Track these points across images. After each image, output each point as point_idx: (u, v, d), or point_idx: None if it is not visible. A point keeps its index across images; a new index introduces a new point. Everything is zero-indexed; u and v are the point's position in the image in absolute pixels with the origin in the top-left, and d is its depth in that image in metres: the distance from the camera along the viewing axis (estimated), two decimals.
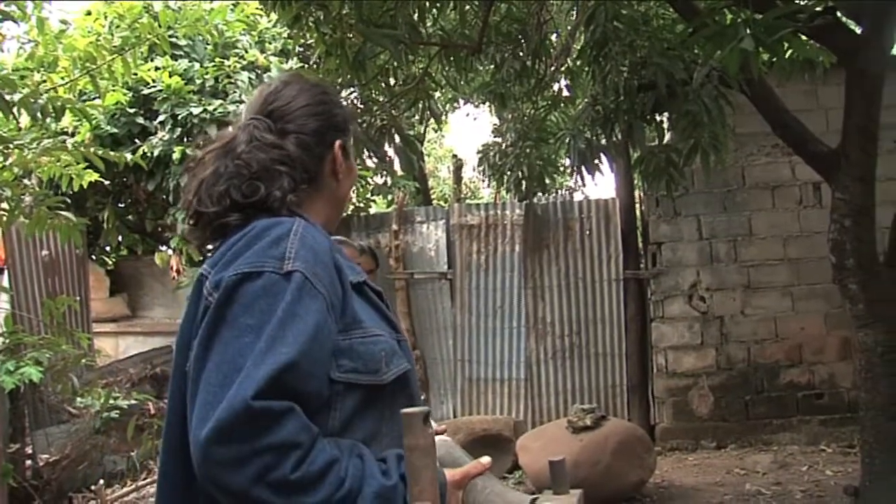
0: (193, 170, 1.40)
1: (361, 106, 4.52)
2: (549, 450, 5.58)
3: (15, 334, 4.27)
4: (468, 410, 7.43)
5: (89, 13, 6.76)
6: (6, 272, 5.69)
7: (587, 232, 7.20)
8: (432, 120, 12.84)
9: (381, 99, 4.60)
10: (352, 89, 4.32)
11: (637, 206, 7.43)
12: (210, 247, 1.36)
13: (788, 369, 6.77)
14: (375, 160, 5.09)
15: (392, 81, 4.48)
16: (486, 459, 1.28)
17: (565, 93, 5.98)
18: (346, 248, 3.86)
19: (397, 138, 4.54)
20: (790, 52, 3.83)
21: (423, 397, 7.43)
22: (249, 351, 1.11)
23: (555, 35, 6.17)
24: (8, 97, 3.04)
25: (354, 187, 8.42)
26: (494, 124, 7.72)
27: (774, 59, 4.00)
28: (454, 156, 13.69)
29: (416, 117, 6.03)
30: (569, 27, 5.83)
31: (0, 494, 5.30)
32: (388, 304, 1.42)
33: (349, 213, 8.60)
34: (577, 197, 11.19)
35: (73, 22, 6.42)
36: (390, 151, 4.72)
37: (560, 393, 7.23)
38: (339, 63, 3.75)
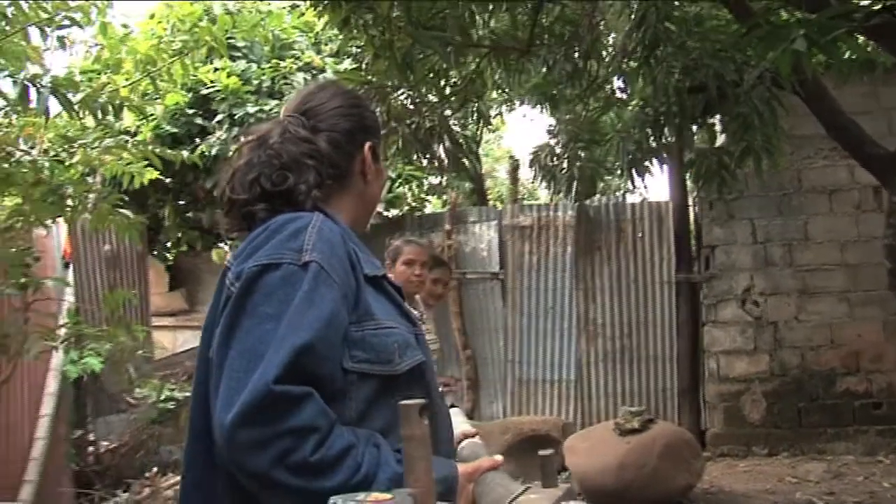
0: (230, 160, 1.48)
1: (412, 107, 4.56)
2: (596, 451, 5.57)
3: (77, 325, 4.44)
4: (518, 411, 7.44)
5: (153, 16, 6.98)
6: (71, 266, 5.92)
7: (639, 234, 7.15)
8: (488, 120, 12.91)
9: (431, 100, 4.65)
10: (401, 91, 4.37)
11: (690, 208, 7.35)
12: (235, 234, 1.42)
13: (845, 377, 6.61)
14: (425, 161, 5.13)
15: (442, 83, 4.52)
16: (498, 457, 1.32)
17: (619, 94, 5.96)
18: (411, 246, 3.93)
19: (447, 139, 4.58)
20: (846, 52, 3.76)
21: (469, 397, 7.47)
22: (270, 338, 1.17)
23: (613, 36, 6.14)
24: (71, 97, 3.19)
25: (410, 187, 8.56)
26: (550, 125, 7.72)
27: (831, 60, 3.93)
28: (511, 156, 13.66)
29: (468, 118, 6.06)
30: (624, 27, 5.79)
31: (65, 476, 5.53)
32: (402, 296, 1.46)
33: (403, 212, 8.70)
34: (632, 199, 11.14)
35: (137, 25, 6.64)
36: (440, 152, 4.76)
37: (610, 395, 7.19)
38: (387, 65, 3.82)
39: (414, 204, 9.44)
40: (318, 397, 1.17)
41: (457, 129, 9.52)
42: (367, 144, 1.50)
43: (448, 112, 4.83)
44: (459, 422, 1.74)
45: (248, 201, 1.38)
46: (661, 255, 7.10)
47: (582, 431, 6.28)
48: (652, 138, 4.95)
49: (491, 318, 7.64)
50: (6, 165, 3.63)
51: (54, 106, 3.40)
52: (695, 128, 5.09)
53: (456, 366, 7.79)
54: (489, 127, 14.00)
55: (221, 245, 8.14)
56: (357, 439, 1.20)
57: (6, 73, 3.21)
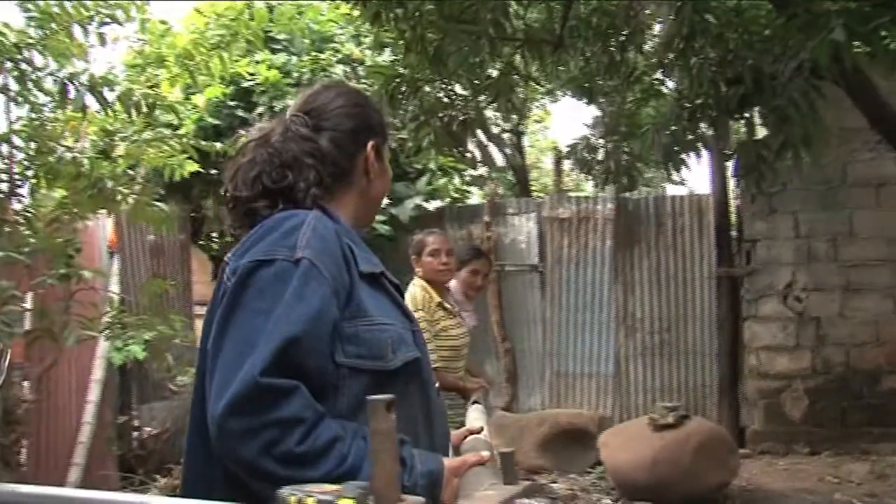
0: (235, 158, 1.51)
1: (446, 100, 4.57)
2: (630, 446, 5.55)
3: (121, 313, 4.56)
4: (555, 403, 7.44)
5: (199, 11, 7.10)
6: (116, 256, 6.08)
7: (680, 228, 7.07)
8: (533, 112, 12.84)
9: (463, 93, 4.65)
10: (433, 84, 4.38)
11: (731, 202, 7.23)
12: (239, 230, 1.45)
13: (890, 375, 6.46)
14: (460, 154, 5.14)
15: (475, 76, 4.51)
16: (485, 454, 1.32)
17: (658, 86, 5.88)
18: (433, 237, 3.95)
19: (480, 133, 4.57)
20: (889, 42, 3.66)
21: (507, 389, 7.46)
22: (260, 332, 1.21)
23: (658, 26, 6.06)
24: (107, 94, 3.29)
25: (450, 179, 8.56)
26: (594, 117, 7.65)
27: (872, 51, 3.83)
28: (555, 148, 13.58)
29: (506, 111, 6.04)
30: (659, 19, 5.72)
31: (110, 460, 5.69)
32: (402, 293, 1.50)
33: (444, 203, 8.72)
34: (672, 192, 11.01)
35: (180, 20, 6.77)
36: (474, 146, 4.76)
37: (648, 390, 7.14)
38: (419, 58, 3.84)
39: (456, 195, 9.45)
40: (305, 390, 1.20)
41: (495, 121, 9.55)
42: (371, 143, 1.52)
43: (482, 105, 4.81)
44: (473, 418, 1.76)
45: (250, 198, 1.42)
46: (702, 250, 7.01)
47: (616, 427, 6.27)
48: (688, 131, 4.88)
49: (529, 310, 7.64)
50: (51, 160, 3.75)
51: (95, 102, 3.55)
52: (732, 120, 5.00)
53: (494, 358, 7.81)
54: (533, 118, 13.96)
55: None
56: (345, 432, 1.22)
57: (47, 70, 3.31)
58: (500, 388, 7.76)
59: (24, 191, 3.83)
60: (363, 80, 6.60)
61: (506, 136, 11.14)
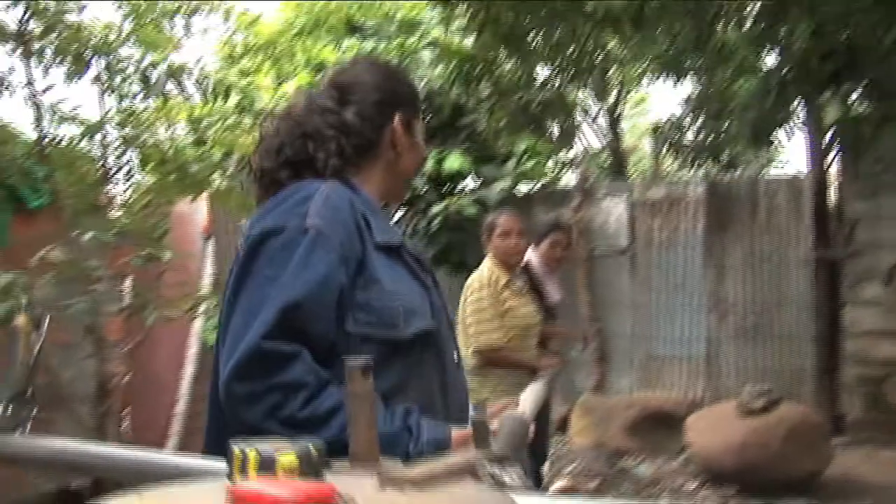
0: (263, 132, 1.55)
1: (523, 81, 4.55)
2: (717, 431, 5.43)
3: (214, 294, 4.77)
4: (646, 386, 7.34)
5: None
6: (211, 239, 6.32)
7: (774, 210, 6.81)
8: (630, 93, 12.54)
9: (542, 74, 4.62)
10: (510, 65, 4.35)
11: (830, 182, 6.91)
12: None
13: None
14: (541, 136, 5.10)
15: (553, 56, 4.46)
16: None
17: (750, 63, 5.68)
18: (502, 218, 3.96)
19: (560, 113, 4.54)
20: None
21: (597, 371, 7.37)
22: (266, 298, 1.25)
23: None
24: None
25: (539, 161, 8.50)
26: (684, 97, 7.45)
27: None
28: (654, 128, 13.26)
29: (588, 91, 5.96)
30: None
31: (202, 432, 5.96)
32: (425, 269, 1.50)
33: (535, 186, 8.68)
34: (766, 173, 10.62)
35: (274, 11, 6.96)
36: (553, 127, 4.72)
37: (741, 374, 6.93)
38: (492, 38, 3.83)
39: (548, 178, 9.38)
40: (308, 356, 1.23)
41: (588, 104, 9.40)
42: (398, 116, 1.52)
43: (564, 86, 4.77)
44: (524, 395, 1.75)
45: (273, 169, 1.45)
46: (798, 232, 6.73)
47: (704, 410, 6.12)
48: (778, 108, 4.71)
49: (619, 293, 7.56)
50: (141, 146, 3.96)
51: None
52: (827, 95, 4.80)
53: (584, 340, 7.74)
54: (632, 101, 13.63)
55: None
56: None
57: (133, 61, 3.49)
58: (590, 371, 7.72)
59: (120, 177, 4.06)
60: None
61: (601, 118, 10.98)
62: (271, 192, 1.44)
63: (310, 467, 0.75)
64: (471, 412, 1.01)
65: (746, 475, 5.06)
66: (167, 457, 1.05)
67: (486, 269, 3.82)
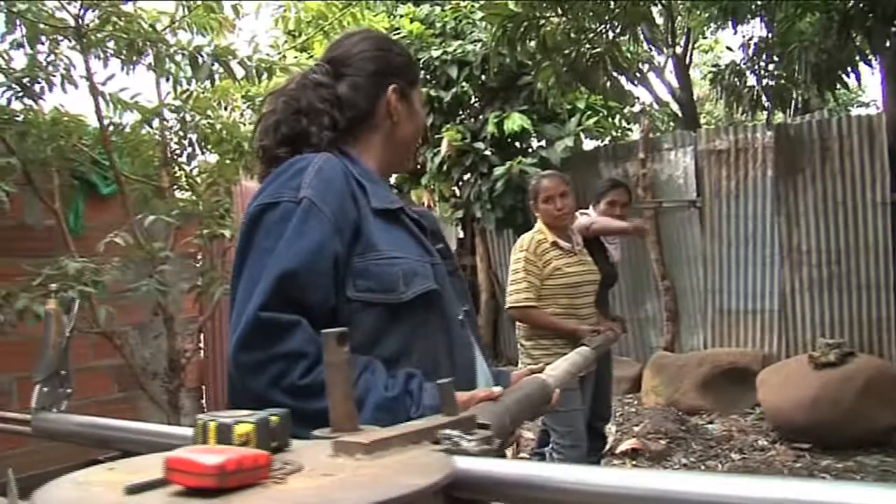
0: (263, 110, 1.59)
1: (571, 36, 4.47)
2: (789, 386, 5.32)
3: None
4: (719, 342, 7.22)
5: None
6: None
7: (847, 152, 6.53)
8: (697, 41, 12.15)
9: (591, 27, 4.52)
10: (557, 21, 4.27)
11: None
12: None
13: None
14: (592, 90, 4.99)
15: (602, 8, 4.36)
16: (497, 389, 1.31)
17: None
18: (546, 181, 3.96)
19: (610, 67, 4.46)
20: None
21: (669, 329, 7.26)
22: (264, 269, 1.28)
23: None
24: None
25: (602, 117, 8.35)
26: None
27: None
28: (715, 75, 12.82)
29: (640, 41, 5.80)
30: None
31: None
32: (426, 231, 1.52)
33: (600, 142, 8.55)
34: (837, 114, 10.12)
35: None
36: (604, 81, 4.63)
37: (817, 326, 6.74)
38: None
39: (615, 134, 9.24)
40: (307, 325, 1.26)
41: (653, 54, 9.16)
42: (393, 86, 1.54)
43: (613, 38, 4.67)
44: (559, 362, 1.72)
45: (272, 146, 1.49)
46: (874, 174, 6.43)
47: (776, 365, 5.99)
48: (839, 45, 4.50)
49: (689, 247, 7.41)
50: (201, 128, 4.09)
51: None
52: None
53: (655, 297, 7.67)
54: (701, 48, 13.18)
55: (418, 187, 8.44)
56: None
57: (181, 46, 3.59)
58: (662, 328, 7.64)
59: (182, 159, 4.21)
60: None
61: (668, 68, 10.70)
62: (272, 168, 1.47)
63: (266, 436, 0.79)
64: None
65: (820, 431, 4.95)
66: (187, 431, 1.11)
67: (530, 233, 3.90)
